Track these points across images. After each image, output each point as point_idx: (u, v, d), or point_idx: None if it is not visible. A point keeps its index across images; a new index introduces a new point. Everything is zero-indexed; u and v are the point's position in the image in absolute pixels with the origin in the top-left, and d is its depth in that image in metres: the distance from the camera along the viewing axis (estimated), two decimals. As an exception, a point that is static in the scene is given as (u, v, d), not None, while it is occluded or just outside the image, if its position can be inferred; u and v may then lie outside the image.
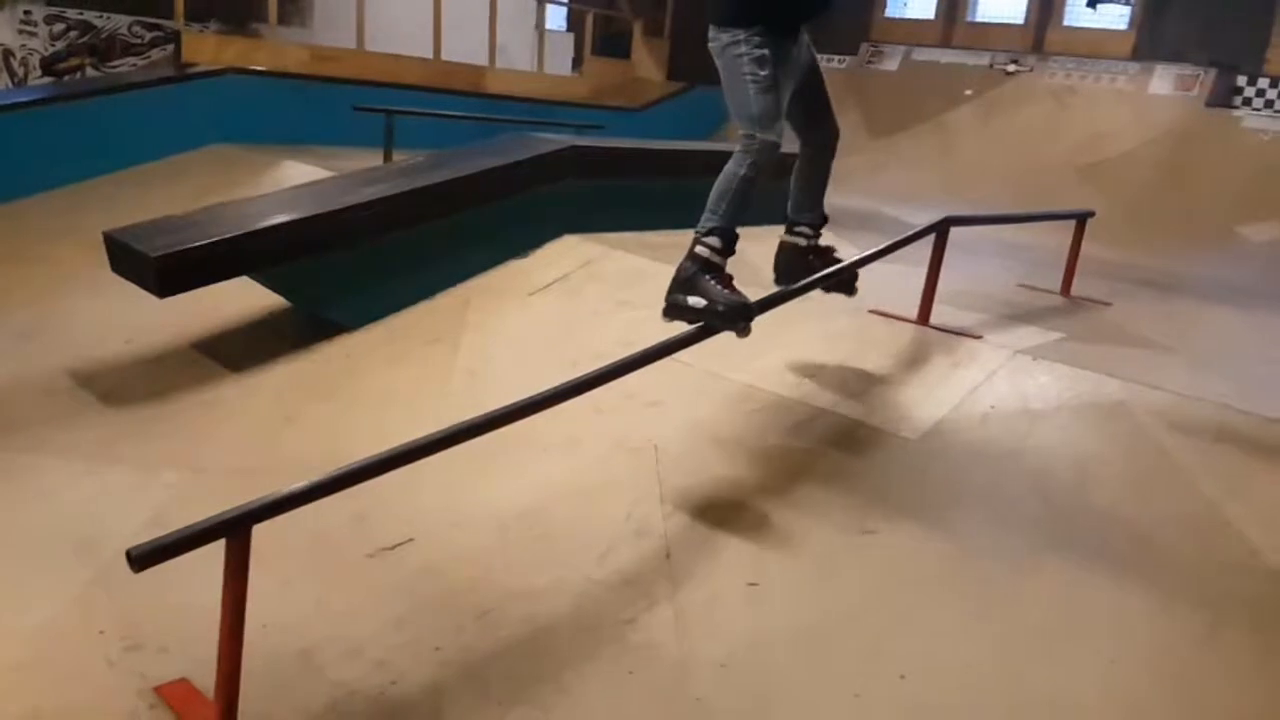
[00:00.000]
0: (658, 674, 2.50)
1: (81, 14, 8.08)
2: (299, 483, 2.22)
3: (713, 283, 3.05)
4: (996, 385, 3.48)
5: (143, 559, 1.89)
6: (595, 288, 4.62)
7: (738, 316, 3.05)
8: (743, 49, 3.02)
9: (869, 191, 7.88)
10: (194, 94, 7.35)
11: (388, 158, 6.83)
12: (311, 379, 4.17)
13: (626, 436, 3.47)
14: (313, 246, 4.20)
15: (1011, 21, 10.78)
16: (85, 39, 8.14)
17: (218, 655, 2.10)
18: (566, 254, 4.93)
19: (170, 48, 8.22)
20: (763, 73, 2.99)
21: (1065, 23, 10.49)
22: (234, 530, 2.03)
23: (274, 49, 8.38)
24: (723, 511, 3.08)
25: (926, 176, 9.07)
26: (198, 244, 3.84)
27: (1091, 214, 5.05)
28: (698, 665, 2.52)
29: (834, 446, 3.31)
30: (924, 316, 3.95)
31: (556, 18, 12.78)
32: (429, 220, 4.55)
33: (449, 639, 2.58)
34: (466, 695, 2.39)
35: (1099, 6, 10.12)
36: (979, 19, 11.18)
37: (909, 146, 9.96)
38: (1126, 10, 10.06)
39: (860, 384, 3.62)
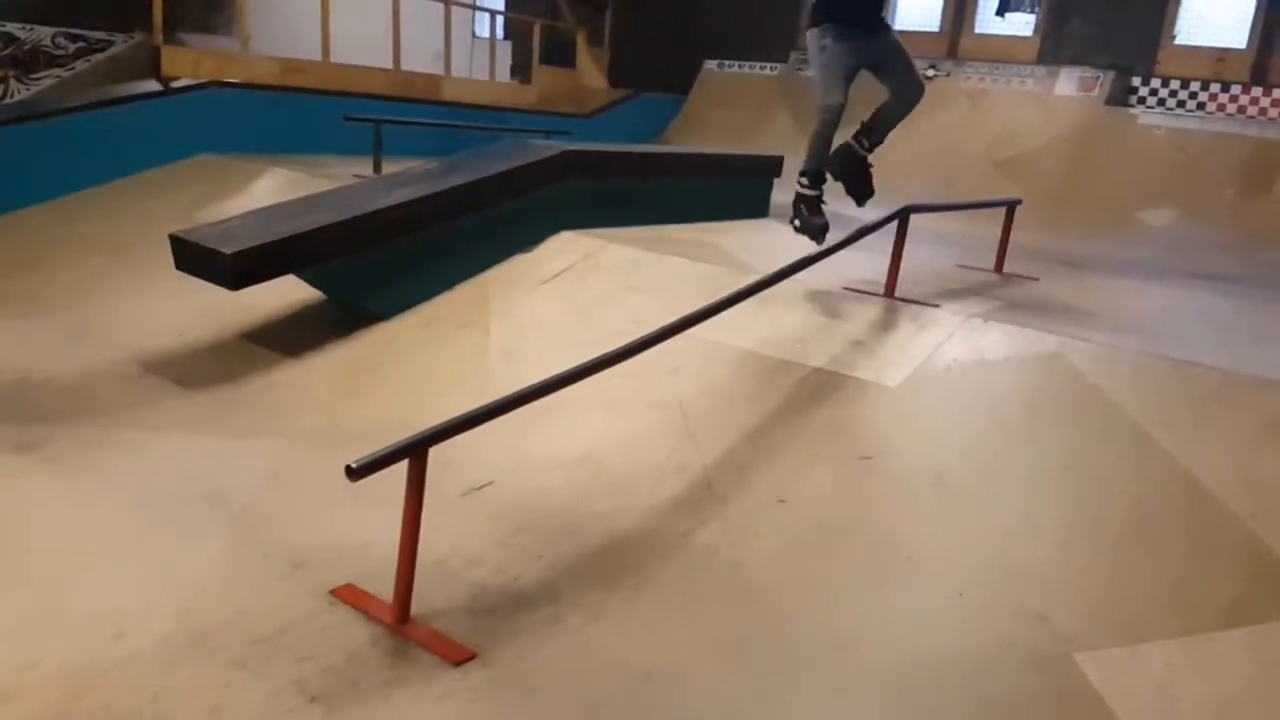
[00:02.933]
0: (716, 566, 3.17)
1: (3, 26, 7.97)
2: (455, 416, 2.81)
3: (803, 208, 4.88)
4: (955, 343, 4.23)
5: (359, 470, 2.49)
6: (599, 276, 5.24)
7: (815, 232, 4.85)
8: (813, 43, 4.65)
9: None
10: (181, 107, 7.77)
11: (378, 165, 7.37)
12: (362, 361, 4.73)
13: (655, 397, 4.11)
14: (357, 243, 4.74)
15: (928, 29, 11.72)
16: (8, 51, 8.02)
17: (399, 552, 2.70)
18: (567, 248, 5.55)
19: (96, 58, 8.34)
20: (822, 58, 4.58)
21: (977, 30, 11.46)
22: (415, 451, 2.63)
23: (246, 63, 8.80)
24: (747, 449, 3.76)
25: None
26: (265, 242, 4.37)
27: (1019, 201, 5.89)
28: (746, 559, 3.20)
29: (829, 395, 4.02)
30: (890, 290, 4.69)
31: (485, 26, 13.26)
32: (451, 219, 5.13)
33: (547, 550, 3.21)
34: (574, 585, 3.02)
35: (1007, 15, 11.13)
36: (898, 27, 12.09)
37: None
38: (1032, 18, 11.09)
39: (844, 346, 4.33)
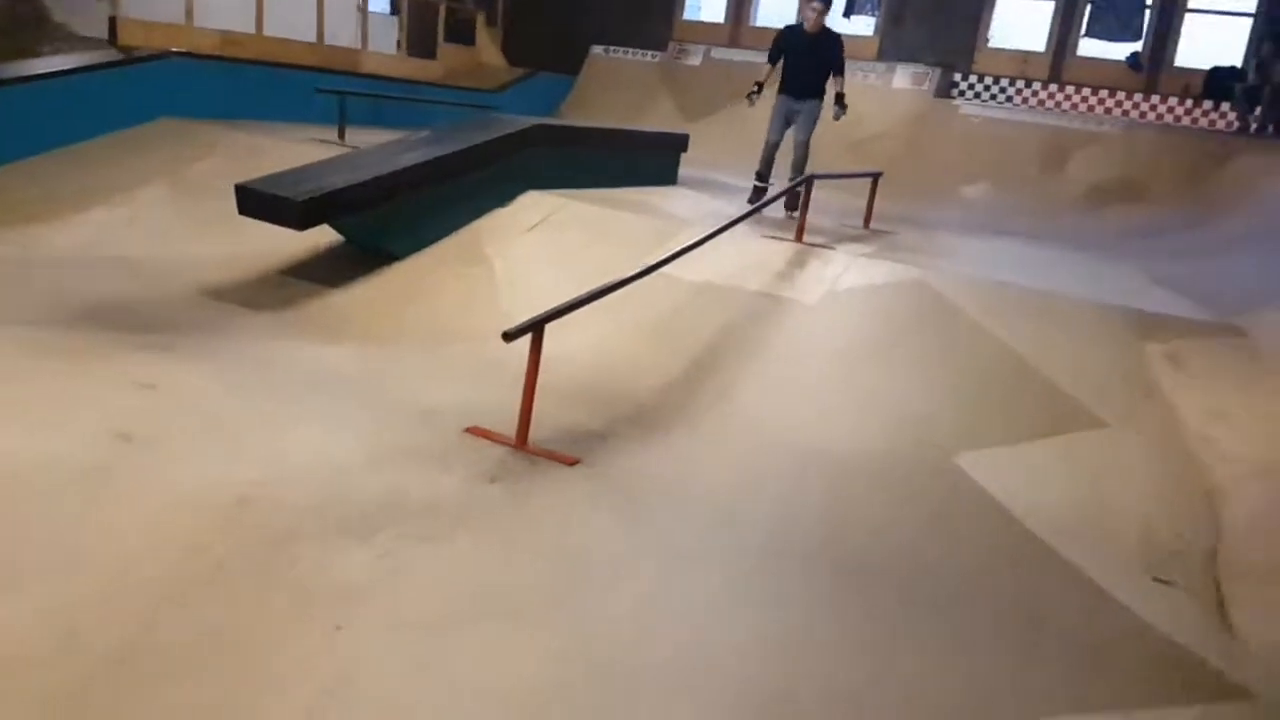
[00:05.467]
0: (708, 418, 4.63)
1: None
2: (552, 306, 4.12)
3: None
4: (850, 273, 5.83)
5: (510, 335, 3.79)
6: (571, 227, 6.58)
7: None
8: None
9: (691, 163, 10.06)
10: (144, 74, 8.50)
11: (342, 132, 8.38)
12: (395, 289, 5.91)
13: (641, 313, 5.50)
14: (386, 195, 5.90)
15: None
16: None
17: (523, 394, 4.01)
18: (537, 204, 6.84)
19: None
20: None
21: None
22: (537, 328, 3.95)
23: (190, 33, 9.52)
24: (718, 345, 5.23)
25: (732, 151, 11.50)
26: (326, 192, 5.49)
27: (881, 174, 7.61)
28: (731, 411, 4.67)
29: (766, 309, 5.54)
30: (799, 237, 6.27)
31: (380, 1, 14.05)
32: (452, 177, 6.34)
33: (596, 409, 4.57)
34: (634, 429, 4.41)
35: (853, 16, 13.00)
36: (759, 24, 13.79)
37: (714, 129, 12.36)
38: (873, 20, 12.99)
39: (771, 277, 5.86)
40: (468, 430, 4.17)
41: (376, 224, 6.02)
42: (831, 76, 7.57)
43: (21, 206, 6.90)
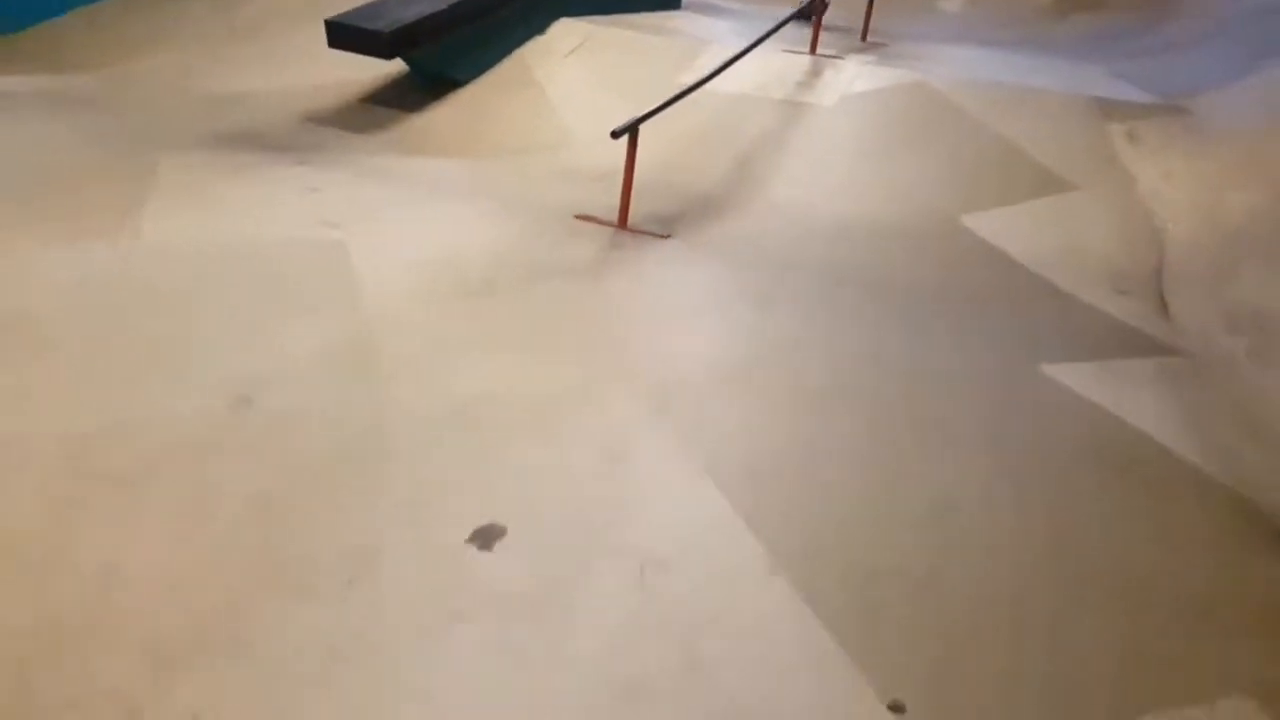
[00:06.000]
0: (758, 202, 5.68)
1: None
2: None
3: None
4: (860, 79, 6.80)
5: (617, 133, 4.76)
6: (605, 51, 7.41)
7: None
8: None
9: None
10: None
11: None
12: (466, 111, 6.78)
13: (686, 124, 6.45)
14: (452, 25, 6.69)
15: None
16: None
17: (623, 184, 5.02)
18: (570, 31, 7.64)
19: None
20: None
21: None
22: (634, 127, 4.92)
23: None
24: (756, 146, 6.23)
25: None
26: (405, 24, 6.28)
27: (875, -10, 8.44)
28: (776, 198, 5.72)
29: (792, 114, 6.52)
30: (813, 50, 7.17)
31: None
32: (501, 8, 7.10)
33: (669, 199, 5.60)
34: (701, 212, 5.45)
35: None
36: None
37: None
38: None
39: (792, 86, 6.81)
40: (577, 217, 5.19)
41: (443, 53, 6.81)
42: None
43: (80, 57, 7.58)
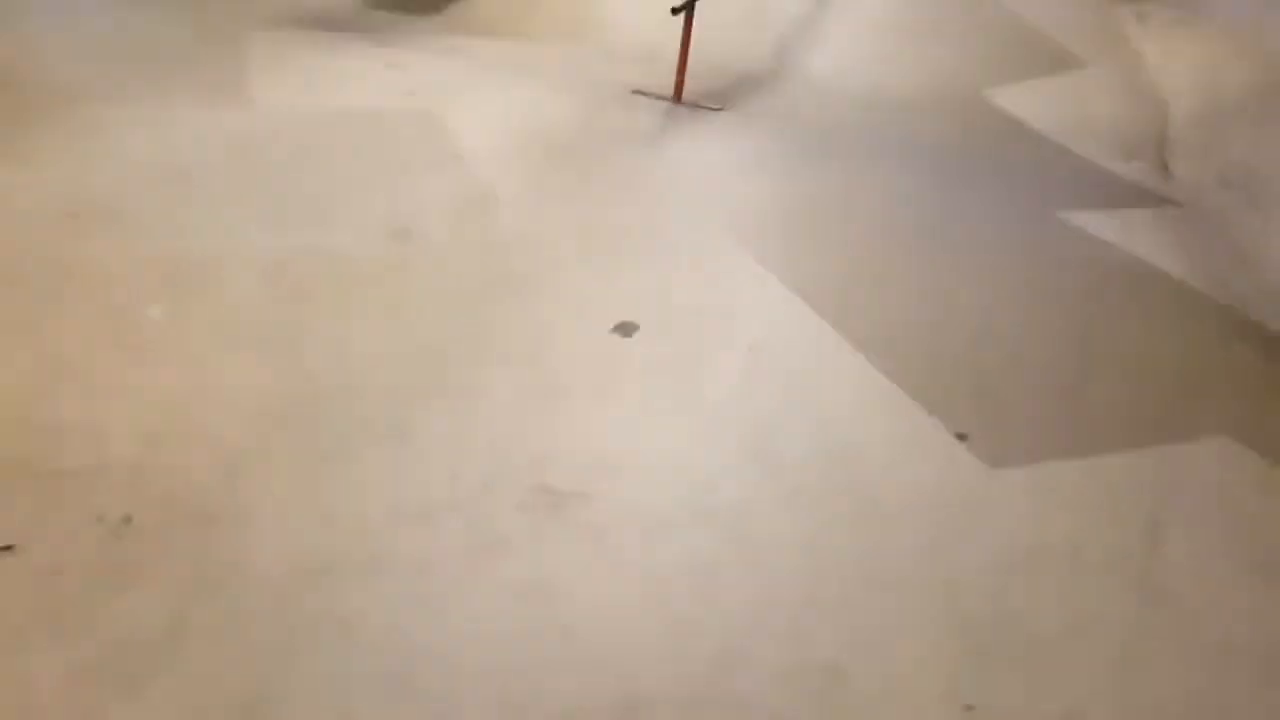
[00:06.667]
0: (824, 69, 6.19)
1: None
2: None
3: None
4: None
5: (677, 10, 5.24)
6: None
7: None
8: None
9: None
10: None
11: None
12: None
13: (721, 13, 6.89)
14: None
15: None
16: None
17: (679, 58, 5.51)
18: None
19: None
20: None
21: None
22: (689, 6, 5.40)
23: None
24: (786, 33, 6.70)
25: None
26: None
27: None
28: (826, 71, 6.23)
29: (824, 6, 6.98)
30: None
31: None
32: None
33: (726, 77, 6.09)
34: (749, 89, 5.96)
35: None
36: None
37: None
38: None
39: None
40: (634, 92, 5.69)
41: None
42: None
43: None
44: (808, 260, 3.76)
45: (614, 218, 3.99)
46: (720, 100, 5.68)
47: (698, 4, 5.62)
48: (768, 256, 3.73)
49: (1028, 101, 5.81)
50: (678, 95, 5.61)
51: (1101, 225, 4.34)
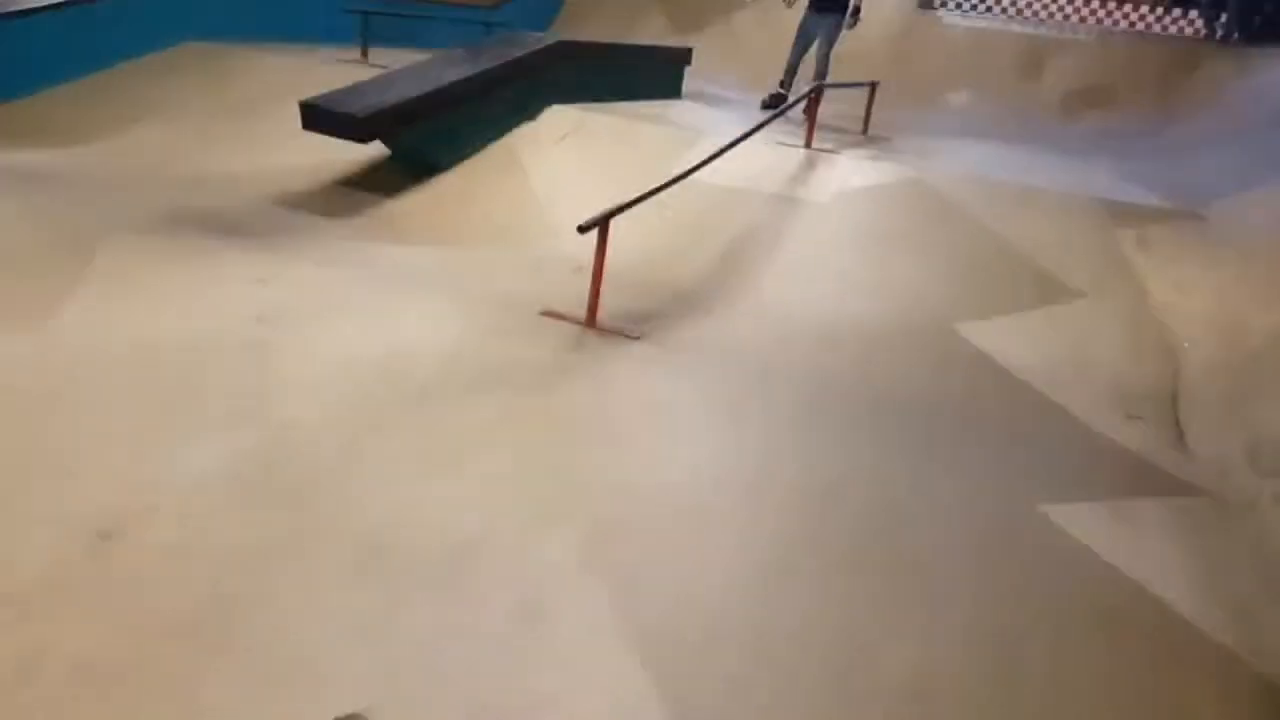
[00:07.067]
0: (746, 297, 5.33)
1: None
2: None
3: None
4: (856, 176, 6.50)
5: (584, 228, 4.43)
6: (596, 138, 7.16)
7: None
8: None
9: (690, 76, 10.56)
10: (168, -1, 8.85)
11: (365, 52, 8.82)
12: (446, 197, 6.50)
13: (674, 215, 6.15)
14: (435, 109, 6.45)
15: (773, -62, 13.76)
16: None
17: (592, 280, 4.68)
18: (562, 118, 7.40)
19: None
20: None
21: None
22: (604, 221, 4.60)
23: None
24: (743, 240, 5.91)
25: (727, 66, 12.01)
26: (384, 107, 6.04)
27: (877, 83, 8.21)
28: (763, 292, 5.37)
29: (784, 209, 6.21)
30: (808, 143, 6.90)
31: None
32: (489, 92, 6.88)
33: (644, 295, 5.25)
34: (680, 310, 5.09)
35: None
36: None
37: (705, 43, 12.79)
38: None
39: (785, 180, 6.52)
40: (543, 313, 4.84)
41: (424, 137, 6.57)
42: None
43: (67, 129, 7.38)
44: (682, 602, 2.74)
45: (429, 513, 3.00)
46: (643, 325, 4.80)
47: (637, 209, 4.84)
48: (626, 597, 2.70)
49: (1011, 340, 4.88)
50: (590, 320, 4.75)
51: (1089, 525, 3.29)
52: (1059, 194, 6.02)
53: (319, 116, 6.04)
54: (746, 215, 6.16)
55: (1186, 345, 4.73)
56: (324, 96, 6.16)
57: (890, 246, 5.76)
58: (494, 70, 6.87)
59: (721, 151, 5.74)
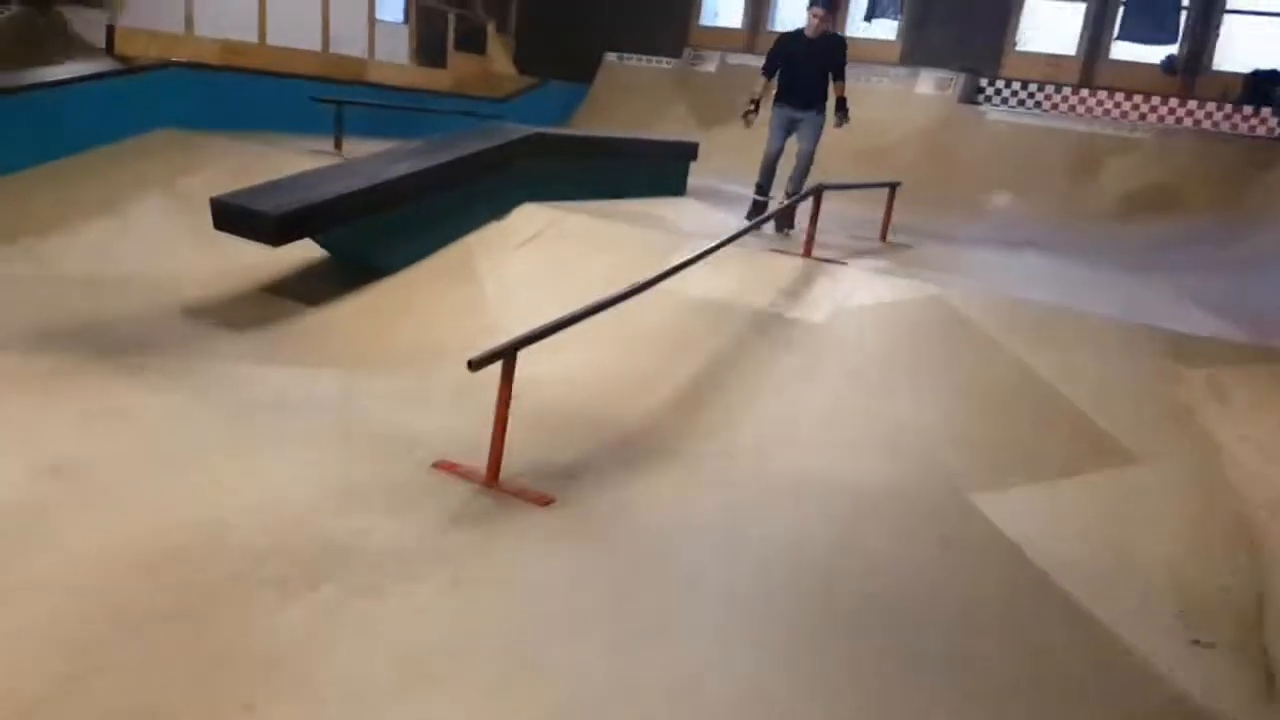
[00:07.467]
0: (707, 443, 4.28)
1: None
2: (519, 334, 3.80)
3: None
4: (861, 290, 5.47)
5: (477, 364, 3.46)
6: (566, 241, 6.25)
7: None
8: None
9: (706, 172, 9.70)
10: (141, 85, 8.27)
11: (339, 142, 8.12)
12: (380, 307, 5.61)
13: (632, 333, 5.17)
14: (371, 208, 5.61)
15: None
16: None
17: (494, 427, 3.68)
18: (533, 217, 6.53)
19: None
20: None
21: (847, 32, 12.90)
22: (509, 354, 3.63)
23: (192, 43, 9.31)
24: (715, 367, 4.89)
25: (747, 160, 11.16)
26: (302, 206, 5.20)
27: (899, 183, 7.22)
28: (729, 438, 4.32)
29: (770, 328, 5.18)
30: (808, 251, 5.90)
31: (392, 10, 13.76)
32: (443, 190, 6.04)
33: (579, 438, 4.24)
34: (620, 460, 4.06)
35: (874, 20, 12.62)
36: (777, 28, 13.43)
37: (730, 136, 12.01)
38: (895, 23, 12.60)
39: (776, 294, 5.51)
40: (436, 465, 3.84)
41: (361, 239, 5.74)
42: (832, 82, 7.04)
43: (14, 219, 6.69)
44: None
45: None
46: (561, 482, 3.80)
47: (594, 322, 3.89)
48: None
49: (1036, 516, 3.75)
50: (491, 476, 3.74)
51: None
52: (1108, 321, 4.91)
53: (229, 215, 5.23)
54: (724, 336, 5.15)
55: (1275, 527, 3.56)
56: (237, 193, 5.36)
57: (894, 381, 4.69)
58: (448, 165, 6.04)
59: (684, 265, 4.78)
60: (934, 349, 4.90)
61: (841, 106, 7.06)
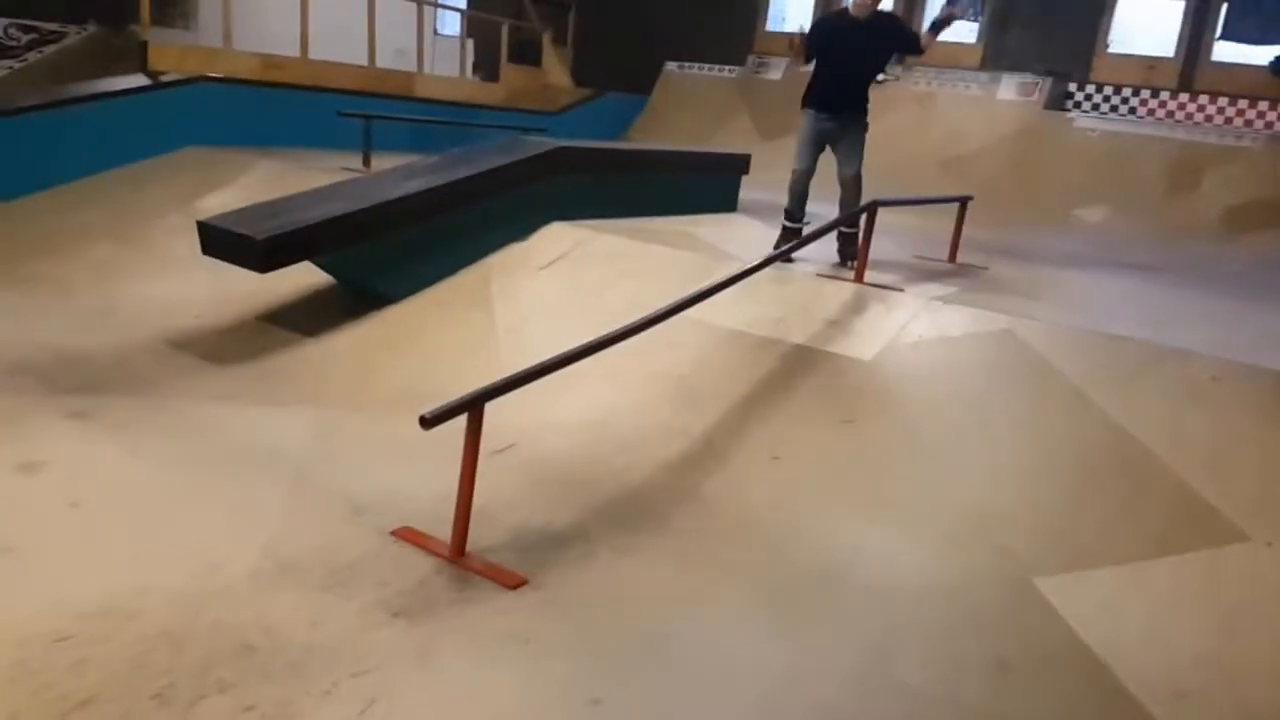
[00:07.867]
0: (724, 509, 3.65)
1: (-41, 18, 7.93)
2: (498, 379, 3.23)
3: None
4: (920, 322, 4.75)
5: (431, 420, 2.90)
6: (592, 263, 5.68)
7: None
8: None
9: (765, 185, 9.01)
10: (172, 101, 7.99)
11: (367, 159, 7.70)
12: (378, 339, 5.11)
13: (655, 369, 4.55)
14: (374, 230, 5.12)
15: (879, 35, 12.31)
16: (-37, 42, 8.09)
17: (458, 493, 3.12)
18: (560, 237, 5.97)
19: (48, 49, 8.45)
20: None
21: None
22: (473, 406, 3.06)
23: (230, 58, 9.03)
24: (741, 414, 4.24)
25: (815, 171, 10.47)
26: (293, 229, 4.73)
27: (970, 197, 6.45)
28: (748, 506, 3.68)
29: (812, 368, 4.51)
30: (860, 276, 5.21)
31: (451, 24, 13.45)
32: (457, 209, 5.52)
33: (573, 497, 3.65)
34: (601, 526, 3.47)
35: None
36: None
37: (791, 146, 11.35)
38: (975, 25, 11.76)
39: (821, 325, 4.83)
40: (396, 532, 3.29)
41: (364, 263, 5.25)
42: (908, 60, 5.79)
43: (21, 244, 6.41)
44: None
45: None
46: (539, 559, 3.21)
47: (601, 359, 3.35)
48: None
49: (1121, 611, 3.01)
50: (457, 550, 3.16)
51: None
52: (1212, 360, 4.10)
53: (215, 240, 4.79)
54: (754, 374, 4.49)
55: None
56: (231, 214, 4.93)
57: (949, 434, 3.98)
58: (463, 181, 5.52)
59: (704, 293, 4.15)
60: (1000, 396, 4.17)
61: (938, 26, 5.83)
